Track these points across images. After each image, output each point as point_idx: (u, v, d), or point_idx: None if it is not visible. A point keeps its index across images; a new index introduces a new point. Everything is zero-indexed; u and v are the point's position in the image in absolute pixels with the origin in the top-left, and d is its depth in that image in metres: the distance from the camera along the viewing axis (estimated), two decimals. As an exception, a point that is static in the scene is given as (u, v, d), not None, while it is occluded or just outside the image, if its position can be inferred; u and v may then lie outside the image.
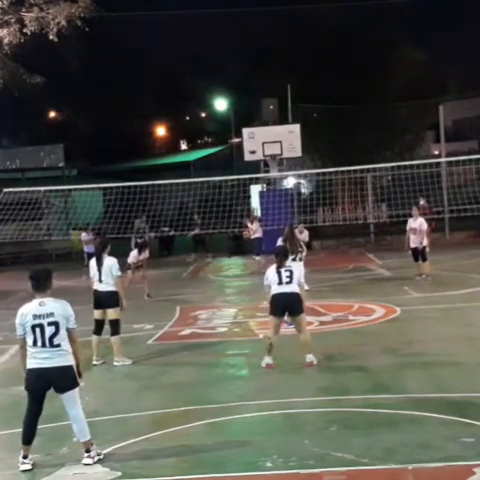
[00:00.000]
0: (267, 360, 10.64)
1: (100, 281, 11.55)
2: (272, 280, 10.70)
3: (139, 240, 21.55)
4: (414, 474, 6.54)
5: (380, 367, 10.38)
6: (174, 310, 16.42)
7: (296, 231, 17.14)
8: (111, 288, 11.53)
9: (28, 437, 7.29)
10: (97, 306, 11.70)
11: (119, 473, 6.90)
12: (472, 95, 43.54)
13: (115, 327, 11.59)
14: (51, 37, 25.29)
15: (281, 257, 10.87)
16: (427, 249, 18.60)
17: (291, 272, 10.67)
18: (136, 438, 7.85)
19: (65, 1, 25.26)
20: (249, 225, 26.50)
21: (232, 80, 51.02)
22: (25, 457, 7.24)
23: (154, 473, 6.86)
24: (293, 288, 10.62)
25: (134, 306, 17.63)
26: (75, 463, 7.20)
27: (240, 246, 30.08)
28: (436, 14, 57.45)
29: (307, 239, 20.56)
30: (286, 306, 10.65)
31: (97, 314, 11.73)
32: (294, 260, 13.40)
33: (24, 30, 25.19)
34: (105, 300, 11.57)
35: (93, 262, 11.87)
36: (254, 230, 25.92)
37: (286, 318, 11.19)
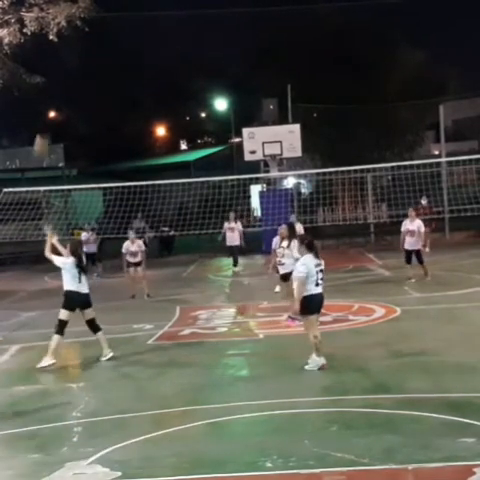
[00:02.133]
0: (321, 360, 10.42)
1: (81, 282, 11.64)
2: (312, 276, 10.41)
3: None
4: (414, 474, 6.53)
5: (380, 367, 10.38)
6: (174, 310, 16.40)
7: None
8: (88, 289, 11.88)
9: None
10: (74, 308, 11.61)
11: (119, 473, 6.88)
12: (472, 95, 43.53)
13: (96, 324, 11.79)
14: (51, 37, 25.24)
15: (316, 249, 10.76)
16: (427, 250, 18.55)
17: (322, 272, 10.63)
18: (136, 438, 7.83)
19: (65, 1, 25.20)
20: (232, 224, 23.69)
21: (232, 80, 50.88)
22: None
23: (154, 473, 6.85)
24: (322, 288, 10.67)
25: (134, 306, 17.72)
26: (75, 463, 7.19)
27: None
28: (436, 14, 57.54)
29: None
30: (320, 306, 10.72)
31: (69, 315, 11.58)
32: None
33: (24, 30, 25.12)
34: (87, 301, 11.75)
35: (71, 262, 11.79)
36: (235, 227, 23.63)
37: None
